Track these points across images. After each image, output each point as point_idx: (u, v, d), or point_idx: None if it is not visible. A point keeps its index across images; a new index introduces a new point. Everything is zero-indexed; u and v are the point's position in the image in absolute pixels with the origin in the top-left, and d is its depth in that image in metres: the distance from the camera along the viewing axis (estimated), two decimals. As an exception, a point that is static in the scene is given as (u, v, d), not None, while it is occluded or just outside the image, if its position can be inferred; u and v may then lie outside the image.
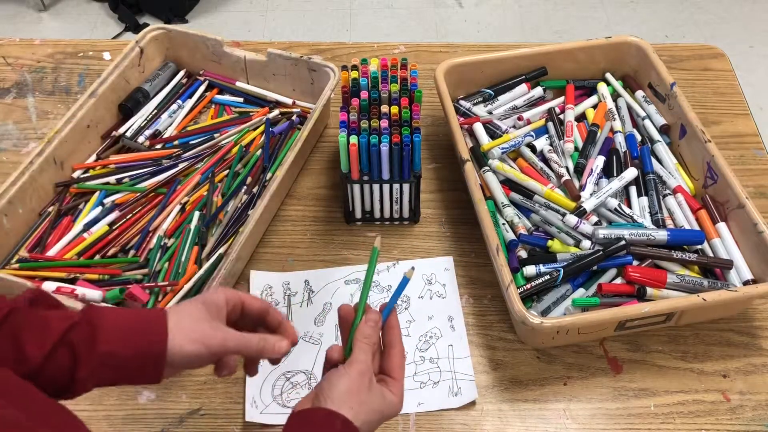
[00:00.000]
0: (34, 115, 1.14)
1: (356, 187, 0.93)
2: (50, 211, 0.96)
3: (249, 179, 0.99)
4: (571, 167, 0.98)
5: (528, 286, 0.85)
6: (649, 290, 0.84)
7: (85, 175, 1.01)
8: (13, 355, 0.52)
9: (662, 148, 1.01)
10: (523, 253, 0.90)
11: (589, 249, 0.88)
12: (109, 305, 0.59)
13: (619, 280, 0.87)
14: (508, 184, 0.97)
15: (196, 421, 0.81)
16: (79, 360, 0.53)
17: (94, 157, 1.03)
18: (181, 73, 1.14)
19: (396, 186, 0.92)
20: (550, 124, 1.02)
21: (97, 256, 0.92)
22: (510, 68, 1.07)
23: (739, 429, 0.81)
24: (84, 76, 1.19)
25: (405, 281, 0.66)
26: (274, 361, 0.67)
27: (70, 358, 0.53)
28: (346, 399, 0.56)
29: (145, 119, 1.07)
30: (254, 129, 1.06)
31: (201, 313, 0.60)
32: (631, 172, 0.95)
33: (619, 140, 1.01)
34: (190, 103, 1.11)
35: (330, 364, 0.63)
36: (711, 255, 0.89)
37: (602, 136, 1.01)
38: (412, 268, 0.66)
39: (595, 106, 1.07)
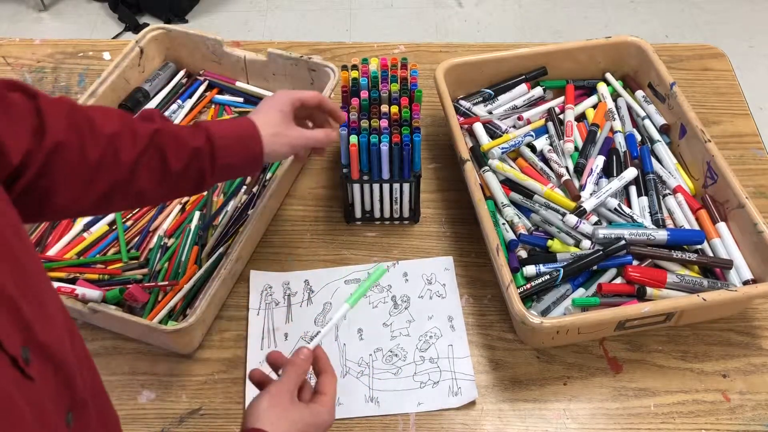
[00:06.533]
0: (34, 115, 1.13)
1: (356, 187, 0.93)
2: (50, 211, 0.95)
3: (249, 179, 0.99)
4: (571, 167, 0.98)
5: (528, 286, 0.85)
6: (649, 290, 0.84)
7: (85, 175, 1.00)
8: (161, 168, 0.69)
9: (662, 148, 1.01)
10: (523, 253, 0.90)
11: (589, 249, 0.88)
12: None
13: (619, 280, 0.87)
14: (508, 184, 0.97)
15: (196, 421, 0.81)
16: (206, 171, 0.71)
17: (94, 157, 1.03)
18: (181, 73, 1.14)
19: (396, 186, 0.92)
20: (550, 124, 1.02)
21: (97, 256, 0.92)
22: (510, 68, 1.07)
23: (739, 429, 0.81)
24: (84, 76, 1.19)
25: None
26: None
27: (199, 170, 0.71)
28: (266, 415, 0.61)
29: (145, 119, 1.07)
30: (254, 129, 1.06)
31: (284, 121, 0.77)
32: (631, 172, 0.95)
33: (619, 140, 1.01)
34: (190, 103, 1.11)
35: (256, 386, 0.68)
36: (711, 255, 0.89)
37: (602, 136, 1.01)
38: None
39: (595, 106, 1.07)
